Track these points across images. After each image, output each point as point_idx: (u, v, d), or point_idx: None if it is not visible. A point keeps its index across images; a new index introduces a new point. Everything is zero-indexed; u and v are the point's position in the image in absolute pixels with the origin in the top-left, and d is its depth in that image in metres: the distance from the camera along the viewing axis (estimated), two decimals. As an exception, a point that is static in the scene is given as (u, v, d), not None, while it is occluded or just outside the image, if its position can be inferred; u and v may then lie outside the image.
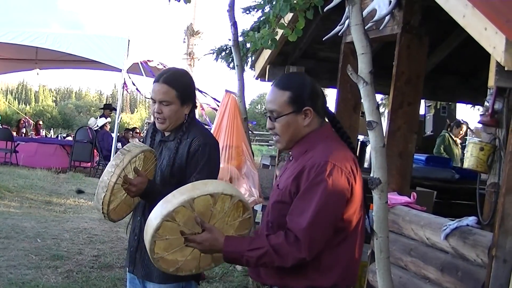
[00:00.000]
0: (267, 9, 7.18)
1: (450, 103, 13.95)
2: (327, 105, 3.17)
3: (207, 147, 3.67)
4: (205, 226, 2.89)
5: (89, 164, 18.17)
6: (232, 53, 7.85)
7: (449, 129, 11.78)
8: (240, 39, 8.25)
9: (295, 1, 5.76)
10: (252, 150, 7.47)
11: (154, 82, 3.74)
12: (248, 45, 8.17)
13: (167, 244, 2.99)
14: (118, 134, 17.33)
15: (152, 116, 3.82)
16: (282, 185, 3.01)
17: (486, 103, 4.49)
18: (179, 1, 6.40)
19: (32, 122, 24.08)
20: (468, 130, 12.23)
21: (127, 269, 3.99)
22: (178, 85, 3.69)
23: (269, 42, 6.38)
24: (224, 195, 2.95)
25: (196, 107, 3.90)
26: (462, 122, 11.87)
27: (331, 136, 3.07)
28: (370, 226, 3.42)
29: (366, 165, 7.97)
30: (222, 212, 3.00)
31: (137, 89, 16.21)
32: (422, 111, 13.86)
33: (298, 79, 3.09)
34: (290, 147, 3.10)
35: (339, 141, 3.07)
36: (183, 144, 3.70)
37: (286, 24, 6.30)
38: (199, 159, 3.63)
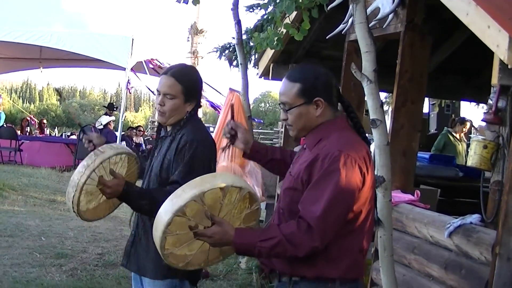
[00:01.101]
0: (270, 8, 7.17)
1: (454, 101, 13.95)
2: (341, 94, 3.18)
3: (194, 143, 3.60)
4: (214, 219, 2.87)
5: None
6: (235, 51, 7.85)
7: (452, 126, 11.66)
8: (244, 37, 8.25)
9: (300, 0, 5.76)
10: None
11: (162, 74, 3.70)
12: (252, 43, 8.16)
13: (176, 239, 2.97)
14: (123, 133, 17.36)
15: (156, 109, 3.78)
16: (295, 172, 3.03)
17: (489, 101, 4.49)
18: (187, 3, 6.40)
19: (37, 120, 24.13)
20: (472, 128, 12.17)
21: (122, 261, 4.00)
22: (185, 81, 3.65)
23: (275, 42, 6.38)
24: (234, 188, 2.95)
25: (200, 106, 3.85)
26: (466, 119, 11.79)
27: (346, 127, 3.08)
28: (377, 217, 3.43)
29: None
30: (230, 204, 3.00)
31: (148, 88, 16.22)
32: (426, 109, 13.86)
33: (309, 71, 3.10)
34: (302, 135, 3.12)
35: (354, 132, 3.09)
36: (177, 139, 3.67)
37: (290, 23, 6.30)
38: (185, 155, 3.57)
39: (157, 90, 3.72)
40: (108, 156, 3.52)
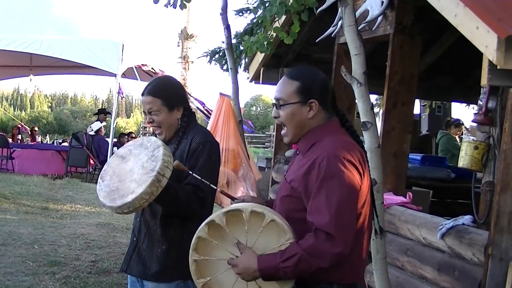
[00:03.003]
0: (260, 11, 7.18)
1: (444, 102, 13.96)
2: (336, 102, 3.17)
3: (207, 145, 3.72)
4: (241, 247, 2.89)
5: (85, 169, 18.14)
6: (225, 55, 7.84)
7: (446, 128, 11.57)
8: (234, 41, 8.24)
9: (289, 4, 5.76)
10: (248, 153, 7.47)
11: (141, 95, 3.86)
12: (242, 47, 8.15)
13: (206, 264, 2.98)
14: (115, 139, 17.31)
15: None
16: (291, 179, 2.99)
17: (479, 102, 4.50)
18: (175, 8, 6.39)
19: (28, 128, 24.07)
20: (464, 128, 12.13)
21: (122, 266, 3.99)
22: (161, 93, 3.78)
23: (265, 45, 6.37)
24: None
25: (190, 109, 3.94)
26: (461, 122, 11.74)
27: (339, 130, 3.05)
28: (378, 226, 3.42)
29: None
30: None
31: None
32: (417, 110, 13.84)
33: (310, 72, 3.10)
34: (296, 140, 3.08)
35: (347, 135, 3.05)
36: (183, 143, 3.75)
37: (280, 27, 6.30)
38: (199, 156, 3.66)
39: (144, 112, 3.89)
40: None
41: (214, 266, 2.98)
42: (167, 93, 3.80)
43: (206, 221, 2.92)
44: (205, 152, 3.69)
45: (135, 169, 3.49)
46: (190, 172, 3.43)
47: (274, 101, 3.11)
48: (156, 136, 3.84)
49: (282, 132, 3.13)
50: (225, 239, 2.92)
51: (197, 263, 2.95)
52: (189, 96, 16.40)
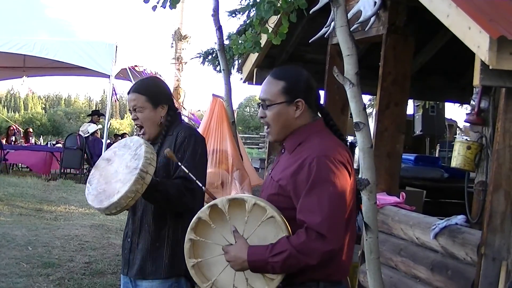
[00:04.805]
0: (252, 12, 7.17)
1: (438, 102, 13.98)
2: (321, 101, 3.19)
3: (192, 138, 3.76)
4: (236, 236, 2.91)
5: (79, 170, 18.12)
6: (218, 56, 7.83)
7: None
8: (227, 42, 8.23)
9: (279, 4, 5.76)
10: (241, 154, 7.46)
11: (127, 94, 3.93)
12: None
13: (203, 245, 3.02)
14: (109, 140, 17.29)
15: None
16: (277, 177, 3.01)
17: (472, 102, 4.51)
18: (164, 7, 6.36)
19: (22, 129, 24.00)
20: (457, 129, 12.18)
21: (122, 271, 4.00)
22: (146, 90, 3.84)
23: (252, 45, 6.36)
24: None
25: (176, 109, 3.99)
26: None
27: (324, 130, 3.08)
28: (363, 223, 3.43)
29: (355, 166, 7.95)
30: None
31: None
32: (410, 111, 13.86)
33: (294, 71, 3.12)
34: (281, 139, 3.11)
35: (333, 135, 3.09)
36: (168, 141, 3.78)
37: (271, 28, 6.29)
38: (186, 150, 3.70)
39: (129, 111, 3.95)
40: None
41: (207, 249, 3.02)
42: (151, 90, 3.87)
43: (209, 204, 2.97)
44: (191, 145, 3.73)
45: (119, 169, 3.53)
46: (180, 164, 3.48)
47: (260, 102, 3.12)
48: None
49: (266, 131, 3.15)
50: (224, 224, 2.96)
51: (192, 242, 3.00)
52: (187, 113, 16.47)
